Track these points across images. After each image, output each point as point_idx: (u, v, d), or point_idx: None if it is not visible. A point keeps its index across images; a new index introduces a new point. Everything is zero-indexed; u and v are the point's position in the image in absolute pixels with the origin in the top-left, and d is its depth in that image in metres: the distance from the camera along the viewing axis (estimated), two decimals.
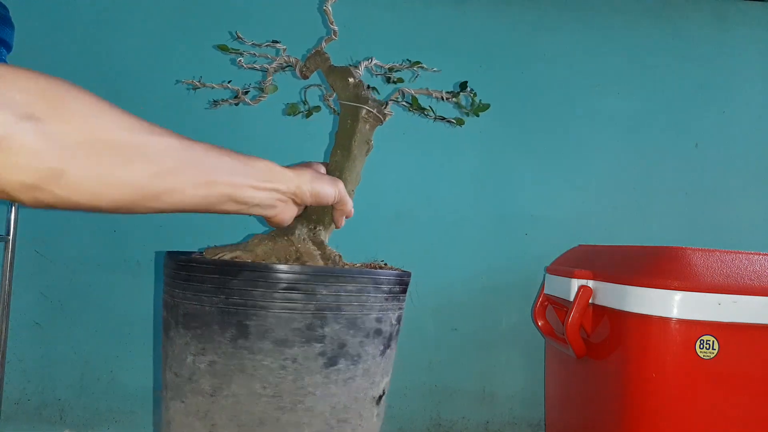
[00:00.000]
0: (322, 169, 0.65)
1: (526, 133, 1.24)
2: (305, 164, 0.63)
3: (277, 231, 0.64)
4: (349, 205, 0.63)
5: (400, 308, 0.61)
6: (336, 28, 0.72)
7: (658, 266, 0.79)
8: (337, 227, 0.67)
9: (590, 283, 0.90)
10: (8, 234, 1.06)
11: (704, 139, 1.27)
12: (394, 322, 0.59)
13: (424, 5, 1.24)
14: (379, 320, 0.57)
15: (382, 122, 0.72)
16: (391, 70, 0.77)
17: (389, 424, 1.19)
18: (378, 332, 0.57)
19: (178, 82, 0.71)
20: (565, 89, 1.25)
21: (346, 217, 0.66)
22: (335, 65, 0.76)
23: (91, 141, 0.38)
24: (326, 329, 0.53)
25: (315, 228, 0.65)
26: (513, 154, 1.24)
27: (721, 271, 0.78)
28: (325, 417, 0.53)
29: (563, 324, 0.90)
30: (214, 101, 0.82)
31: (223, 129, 1.19)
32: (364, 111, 0.68)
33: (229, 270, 0.53)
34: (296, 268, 0.53)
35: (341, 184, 0.60)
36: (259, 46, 0.75)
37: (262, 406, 0.52)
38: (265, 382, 0.52)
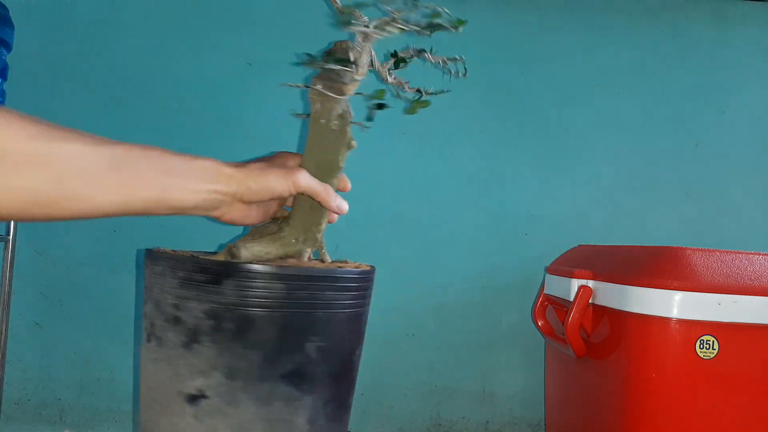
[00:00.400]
0: (292, 161, 0.59)
1: (526, 132, 1.24)
2: (270, 156, 0.58)
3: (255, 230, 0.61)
4: (324, 194, 0.57)
5: (211, 301, 0.57)
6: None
7: (658, 266, 0.79)
8: (329, 222, 0.62)
9: (590, 283, 0.90)
10: (8, 234, 1.06)
11: (704, 139, 1.27)
12: (199, 314, 0.54)
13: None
14: (177, 307, 0.54)
15: (341, 95, 0.63)
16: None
17: (389, 424, 1.20)
18: (177, 320, 0.54)
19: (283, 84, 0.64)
20: (565, 89, 1.25)
21: (338, 212, 0.60)
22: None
23: None
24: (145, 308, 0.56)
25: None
26: (513, 153, 1.24)
27: (721, 271, 0.79)
28: None
29: (563, 324, 0.90)
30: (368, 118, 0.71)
31: (223, 129, 1.19)
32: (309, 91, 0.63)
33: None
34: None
35: (299, 175, 0.54)
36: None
37: None
38: None
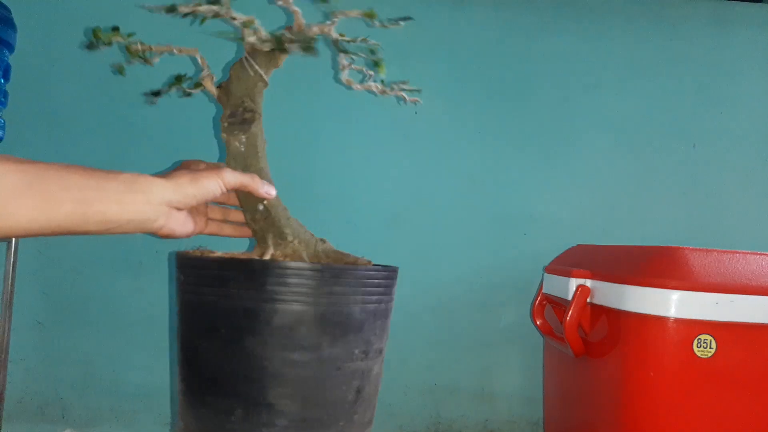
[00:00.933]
0: (201, 166, 0.60)
1: (525, 132, 1.25)
2: (180, 166, 0.59)
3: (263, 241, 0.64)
4: (252, 183, 0.59)
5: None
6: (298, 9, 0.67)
7: (655, 266, 0.80)
8: (262, 196, 0.62)
9: (588, 283, 0.90)
10: None
11: (702, 140, 1.27)
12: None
13: (424, 5, 1.24)
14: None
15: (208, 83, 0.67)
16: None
17: (389, 423, 1.20)
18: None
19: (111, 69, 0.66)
20: (564, 89, 1.26)
21: (267, 197, 0.61)
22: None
23: None
24: None
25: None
26: (512, 153, 1.24)
27: (718, 270, 0.79)
28: None
29: (562, 323, 0.91)
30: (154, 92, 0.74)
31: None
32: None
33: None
34: None
35: (224, 172, 0.55)
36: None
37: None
38: None
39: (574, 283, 0.91)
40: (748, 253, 0.83)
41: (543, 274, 1.08)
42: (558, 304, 1.00)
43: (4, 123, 1.08)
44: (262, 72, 0.62)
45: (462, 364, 1.22)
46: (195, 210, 0.60)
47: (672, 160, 1.26)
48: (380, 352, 0.63)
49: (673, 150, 1.27)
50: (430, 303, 1.22)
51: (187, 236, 0.58)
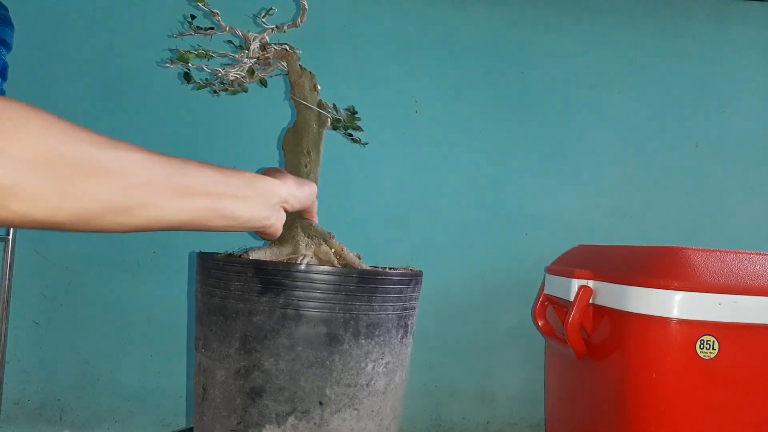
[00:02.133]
0: (283, 174, 0.65)
1: (527, 132, 1.24)
2: (271, 170, 0.61)
3: (277, 241, 0.64)
4: (315, 206, 0.66)
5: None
6: (305, 3, 0.72)
7: (658, 266, 0.79)
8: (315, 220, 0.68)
9: (590, 283, 0.90)
10: (8, 234, 1.06)
11: (704, 139, 1.27)
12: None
13: (425, 5, 1.24)
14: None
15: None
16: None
17: None
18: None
19: (161, 63, 0.71)
20: (565, 89, 1.25)
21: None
22: (303, 66, 0.75)
23: (49, 156, 0.37)
24: (410, 321, 0.66)
25: (310, 233, 0.65)
26: (513, 153, 1.24)
27: (721, 271, 0.78)
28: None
29: (563, 324, 0.90)
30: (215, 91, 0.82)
31: (230, 130, 1.19)
32: (329, 121, 0.72)
33: (404, 280, 0.61)
34: (407, 272, 0.63)
35: (315, 186, 0.61)
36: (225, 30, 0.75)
37: (402, 387, 0.65)
38: (406, 367, 0.65)
39: (576, 283, 0.91)
40: (751, 254, 0.82)
41: (545, 275, 1.07)
42: (560, 305, 1.00)
43: None
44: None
45: (463, 365, 1.22)
46: None
47: (674, 160, 1.26)
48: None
49: (675, 149, 1.26)
50: (430, 303, 1.21)
51: (275, 237, 0.60)
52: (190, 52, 0.72)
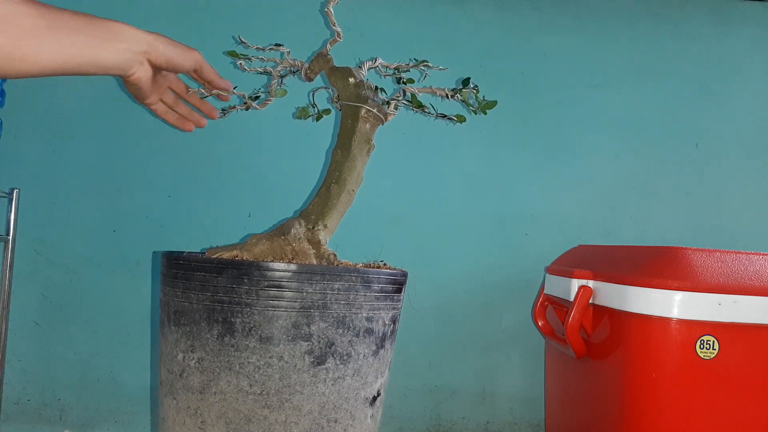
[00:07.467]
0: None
1: (527, 132, 1.24)
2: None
3: (275, 231, 0.64)
4: (213, 72, 0.68)
5: (395, 308, 0.61)
6: (339, 29, 0.73)
7: (658, 266, 0.79)
8: (221, 88, 0.70)
9: (590, 283, 0.90)
10: (8, 234, 1.06)
11: (705, 140, 1.26)
12: (387, 322, 0.59)
13: (426, 5, 1.24)
14: (369, 319, 0.57)
15: (383, 122, 0.72)
16: (397, 69, 0.77)
17: (389, 424, 1.19)
18: (369, 332, 0.57)
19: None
20: (565, 89, 1.25)
21: (219, 90, 0.70)
22: (337, 66, 0.77)
23: None
24: (313, 327, 0.53)
25: (314, 228, 0.65)
26: (513, 153, 1.24)
27: (721, 271, 0.78)
28: (314, 416, 0.53)
29: (563, 324, 0.90)
30: (223, 109, 0.83)
31: (229, 131, 1.19)
32: (363, 110, 0.69)
33: (215, 268, 0.53)
34: (281, 265, 0.53)
35: (199, 54, 0.64)
36: (264, 49, 0.76)
37: (249, 404, 0.53)
38: (252, 379, 0.52)
39: (576, 283, 0.91)
40: (751, 254, 0.82)
41: (544, 275, 1.07)
42: (560, 305, 1.00)
43: (1, 122, 1.07)
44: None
45: (463, 365, 1.22)
46: (155, 82, 0.64)
47: (674, 160, 1.26)
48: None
49: (675, 149, 1.26)
50: (430, 303, 1.21)
51: (145, 98, 0.64)
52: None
